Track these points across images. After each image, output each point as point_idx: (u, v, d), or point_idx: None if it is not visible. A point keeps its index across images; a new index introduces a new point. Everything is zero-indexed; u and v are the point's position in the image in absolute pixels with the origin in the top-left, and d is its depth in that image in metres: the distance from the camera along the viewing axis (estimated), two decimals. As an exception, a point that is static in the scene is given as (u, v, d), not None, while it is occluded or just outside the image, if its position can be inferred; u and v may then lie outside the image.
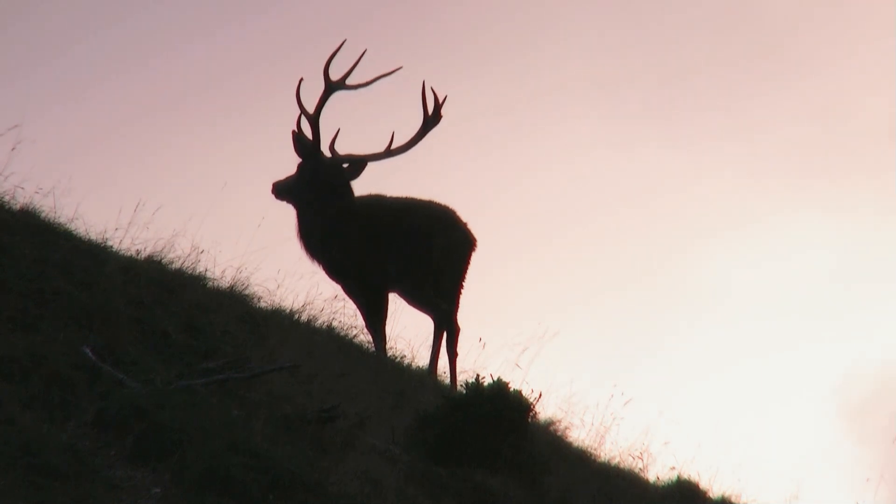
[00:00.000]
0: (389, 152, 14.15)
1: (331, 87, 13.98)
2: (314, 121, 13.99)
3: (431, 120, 14.19)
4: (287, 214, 14.23)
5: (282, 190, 14.21)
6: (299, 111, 14.00)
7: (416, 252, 14.07)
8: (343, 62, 13.97)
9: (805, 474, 13.05)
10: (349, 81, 14.00)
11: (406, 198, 14.26)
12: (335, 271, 14.12)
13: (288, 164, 14.32)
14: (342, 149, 14.14)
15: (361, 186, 14.22)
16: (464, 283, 14.26)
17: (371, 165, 14.14)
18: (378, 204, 14.18)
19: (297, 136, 14.10)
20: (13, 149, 12.26)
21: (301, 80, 13.91)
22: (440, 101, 14.16)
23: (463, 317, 14.23)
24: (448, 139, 14.50)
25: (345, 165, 14.14)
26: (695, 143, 23.77)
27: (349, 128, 14.22)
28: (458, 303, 14.22)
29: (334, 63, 13.97)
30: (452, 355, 14.11)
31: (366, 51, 13.99)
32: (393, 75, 14.10)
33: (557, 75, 24.42)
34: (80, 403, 9.27)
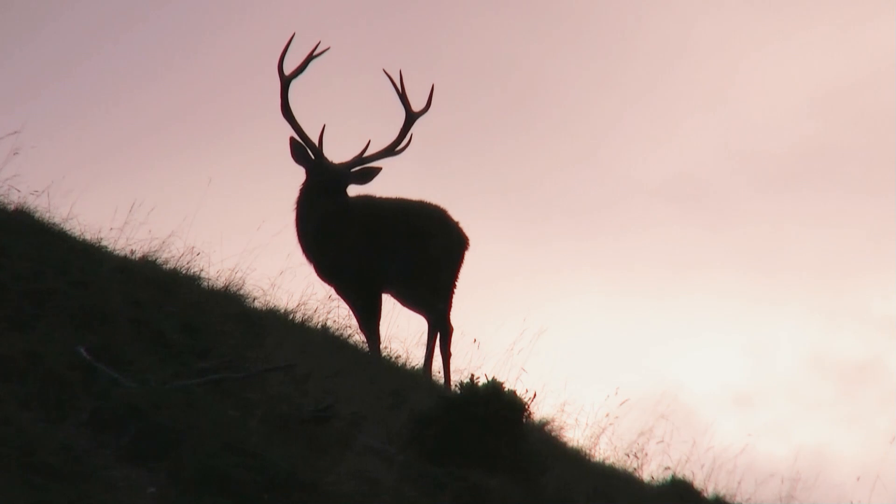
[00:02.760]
0: (383, 152, 14.20)
1: (286, 81, 14.10)
2: (286, 115, 14.10)
3: (418, 113, 14.25)
4: (283, 214, 14.25)
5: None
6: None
7: (411, 252, 14.07)
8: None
9: (800, 473, 13.07)
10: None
11: (398, 198, 14.28)
12: (328, 272, 14.12)
13: (278, 160, 14.38)
14: (349, 153, 14.22)
15: (354, 187, 14.25)
16: (457, 283, 14.28)
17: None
18: (372, 204, 14.19)
19: (292, 142, 14.13)
20: (16, 153, 12.28)
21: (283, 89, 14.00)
22: (430, 92, 14.24)
23: (456, 316, 14.25)
24: (436, 136, 14.52)
25: (354, 170, 14.19)
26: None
27: (350, 128, 14.26)
28: (451, 303, 14.23)
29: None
30: (446, 355, 14.12)
31: (319, 43, 14.09)
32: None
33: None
34: (76, 403, 9.26)
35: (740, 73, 23.34)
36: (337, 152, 14.21)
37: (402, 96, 14.21)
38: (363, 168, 14.15)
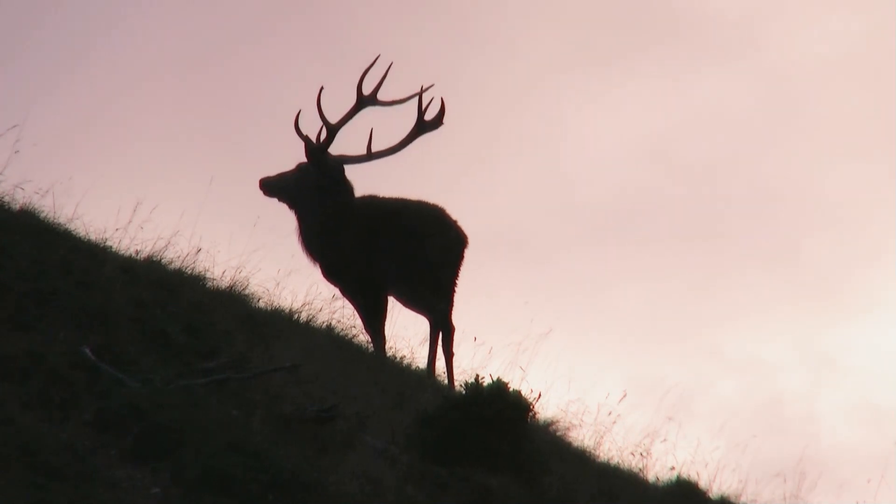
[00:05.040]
0: (380, 153, 14.17)
1: (362, 102, 14.02)
2: (334, 132, 14.01)
3: (428, 124, 14.21)
4: (284, 213, 14.24)
5: (273, 187, 14.20)
6: (320, 120, 14.01)
7: (410, 252, 14.04)
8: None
9: (805, 473, 13.06)
10: (380, 96, 14.08)
11: (397, 198, 14.25)
12: (332, 272, 14.11)
13: (276, 159, 14.36)
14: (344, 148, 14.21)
15: (360, 187, 14.26)
16: (457, 282, 14.24)
17: (361, 166, 14.20)
18: (372, 204, 14.17)
19: (307, 140, 14.09)
20: (16, 151, 12.30)
21: (322, 88, 13.90)
22: (443, 108, 14.19)
23: (458, 316, 14.22)
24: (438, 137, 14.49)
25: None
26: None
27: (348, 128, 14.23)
28: (452, 302, 14.18)
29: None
30: (449, 355, 14.07)
31: (392, 64, 14.01)
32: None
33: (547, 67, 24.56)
34: (79, 403, 9.27)
35: (563, 124, 23.45)
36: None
37: (420, 104, 14.15)
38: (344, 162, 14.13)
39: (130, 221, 12.56)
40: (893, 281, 21.70)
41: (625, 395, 13.15)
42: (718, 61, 23.92)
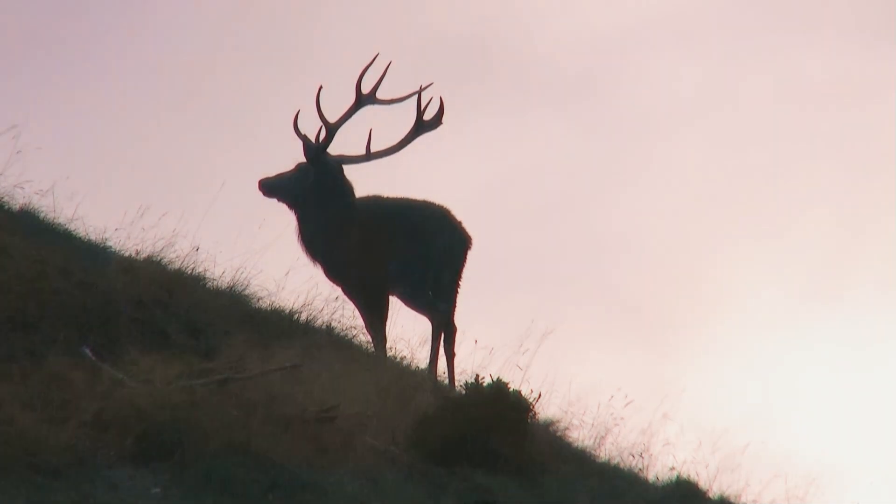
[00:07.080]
0: (378, 153, 14.17)
1: (361, 101, 14.00)
2: (333, 131, 13.99)
3: (427, 124, 14.20)
4: (284, 215, 14.23)
5: (272, 188, 14.20)
6: (319, 120, 13.99)
7: (414, 253, 14.05)
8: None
9: (806, 474, 13.07)
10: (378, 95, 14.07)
11: (402, 198, 14.26)
12: (335, 272, 14.12)
13: (281, 161, 14.35)
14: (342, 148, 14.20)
15: (358, 187, 14.26)
16: (460, 283, 14.24)
17: (361, 166, 14.19)
18: (376, 205, 14.18)
19: (306, 139, 14.07)
20: (18, 152, 12.31)
21: (320, 87, 13.89)
22: (442, 107, 14.17)
23: (459, 317, 14.22)
24: (439, 137, 14.48)
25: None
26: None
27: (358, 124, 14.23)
28: (455, 303, 14.19)
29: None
30: (450, 356, 14.07)
31: (391, 63, 14.01)
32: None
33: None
34: (79, 403, 9.27)
35: (398, 167, 23.44)
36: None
37: (418, 104, 14.14)
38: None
39: (132, 222, 12.57)
40: (725, 320, 22.17)
41: (631, 401, 13.14)
42: (556, 107, 23.96)
